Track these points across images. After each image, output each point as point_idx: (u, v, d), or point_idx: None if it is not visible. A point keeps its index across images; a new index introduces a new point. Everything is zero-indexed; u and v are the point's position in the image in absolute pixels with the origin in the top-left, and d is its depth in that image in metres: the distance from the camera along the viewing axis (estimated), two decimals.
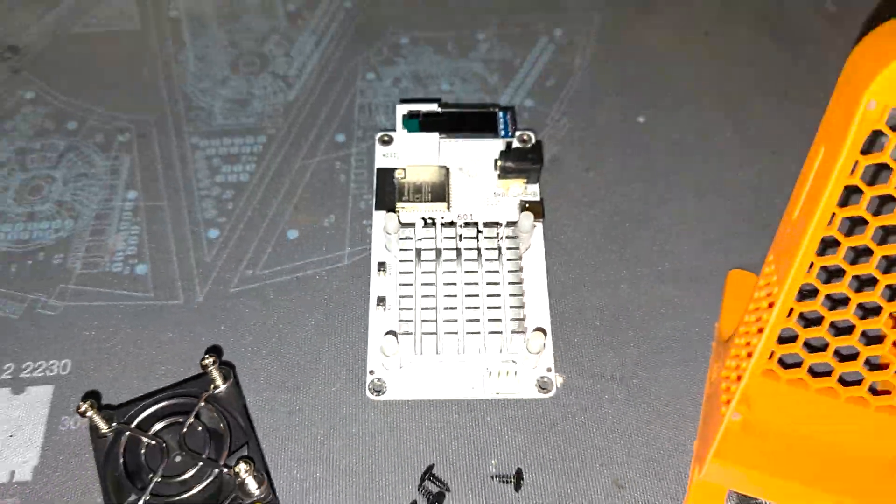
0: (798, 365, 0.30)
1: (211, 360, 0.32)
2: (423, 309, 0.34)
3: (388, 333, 0.34)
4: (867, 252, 0.26)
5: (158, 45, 0.47)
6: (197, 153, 0.42)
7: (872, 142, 0.25)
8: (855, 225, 0.37)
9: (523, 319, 0.34)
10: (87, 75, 0.46)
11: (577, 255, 0.39)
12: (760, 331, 0.29)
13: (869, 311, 0.35)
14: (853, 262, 0.29)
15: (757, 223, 0.40)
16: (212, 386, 0.32)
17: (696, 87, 0.45)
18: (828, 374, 0.30)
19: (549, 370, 0.35)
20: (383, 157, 0.40)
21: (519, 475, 0.32)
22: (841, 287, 0.27)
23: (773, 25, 0.48)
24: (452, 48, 0.47)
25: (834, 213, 0.25)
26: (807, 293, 0.28)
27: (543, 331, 0.34)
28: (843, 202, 0.25)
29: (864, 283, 0.36)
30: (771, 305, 0.28)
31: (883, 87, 0.23)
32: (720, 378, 0.33)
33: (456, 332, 0.34)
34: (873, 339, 0.34)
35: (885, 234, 0.38)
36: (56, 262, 0.38)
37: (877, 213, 0.31)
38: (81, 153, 0.42)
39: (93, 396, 0.34)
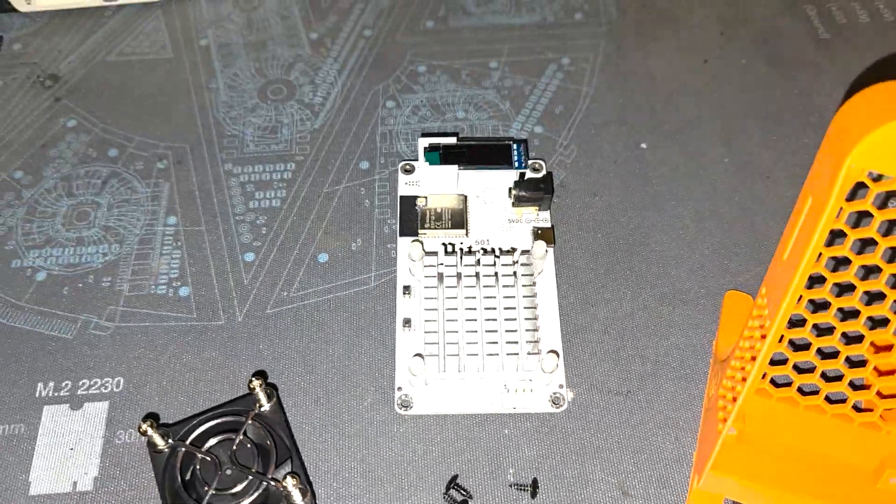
0: (788, 384, 0.33)
1: (258, 382, 0.35)
2: (447, 332, 0.38)
3: (415, 356, 0.37)
4: (851, 287, 0.30)
5: (190, 74, 0.50)
6: (231, 179, 0.45)
7: (856, 190, 0.28)
8: (839, 263, 0.41)
9: (538, 342, 0.38)
10: (124, 103, 0.49)
11: (584, 276, 0.42)
12: (754, 359, 0.33)
13: (852, 339, 0.39)
14: (838, 295, 0.33)
15: (752, 246, 0.43)
16: (257, 404, 0.36)
17: (694, 114, 0.48)
18: (815, 393, 0.33)
19: (560, 386, 0.38)
20: (405, 185, 0.43)
21: (535, 484, 0.36)
22: (827, 317, 0.31)
23: (769, 52, 0.51)
24: (466, 76, 0.50)
25: (821, 253, 0.29)
26: (796, 322, 0.32)
27: (556, 353, 0.38)
28: (829, 242, 0.29)
29: (848, 314, 0.39)
30: (763, 337, 0.32)
31: (864, 153, 0.26)
32: (717, 396, 0.36)
33: (476, 353, 0.37)
34: (857, 363, 0.38)
35: (867, 272, 0.41)
36: (105, 284, 0.42)
37: (860, 252, 0.34)
38: (123, 179, 0.45)
39: (150, 413, 0.38)
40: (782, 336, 0.31)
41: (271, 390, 0.36)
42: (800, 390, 0.33)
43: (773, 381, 0.34)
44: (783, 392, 0.34)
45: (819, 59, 0.51)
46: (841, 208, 0.28)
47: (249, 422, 0.35)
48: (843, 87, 0.49)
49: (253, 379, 0.35)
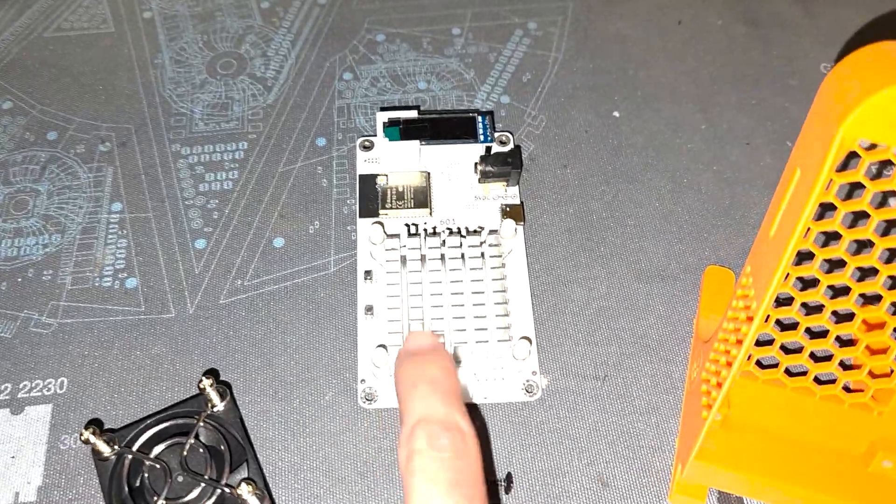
0: (775, 366, 0.31)
1: (208, 382, 0.33)
2: (411, 320, 0.35)
3: (379, 346, 0.35)
4: (841, 263, 0.28)
5: (134, 49, 0.47)
6: (179, 161, 0.42)
7: (847, 161, 0.26)
8: (829, 238, 0.38)
9: (509, 328, 0.35)
10: (63, 82, 0.46)
11: (556, 254, 0.40)
12: (739, 342, 0.31)
13: (842, 318, 0.37)
14: (828, 271, 0.31)
15: (732, 217, 0.41)
16: (209, 405, 0.33)
17: (669, 79, 0.46)
18: (803, 374, 0.32)
19: (533, 373, 0.36)
20: (365, 163, 0.41)
21: (509, 478, 0.34)
22: (816, 295, 0.29)
23: (746, 11, 0.49)
24: (428, 45, 0.47)
25: (809, 228, 0.27)
26: (783, 300, 0.30)
27: (528, 339, 0.36)
28: (819, 216, 0.26)
29: (839, 291, 0.37)
30: (749, 319, 0.30)
31: (859, 121, 0.23)
32: (700, 379, 0.34)
33: (443, 342, 0.35)
34: (846, 342, 0.36)
35: (859, 247, 0.39)
36: (46, 278, 0.39)
37: (851, 226, 0.32)
38: (64, 164, 0.42)
39: (93, 419, 0.35)
40: (768, 316, 0.29)
41: (224, 389, 0.34)
42: (787, 372, 0.32)
43: (758, 363, 0.32)
44: (770, 374, 0.32)
45: (799, 18, 0.48)
46: (831, 180, 0.25)
47: (201, 424, 0.33)
48: (825, 48, 0.47)
49: (203, 378, 0.33)
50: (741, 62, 0.46)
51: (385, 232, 0.37)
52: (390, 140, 0.39)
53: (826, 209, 0.26)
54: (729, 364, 0.31)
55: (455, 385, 0.27)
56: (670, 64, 0.46)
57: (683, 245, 0.40)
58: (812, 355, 0.30)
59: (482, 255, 0.37)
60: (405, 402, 0.26)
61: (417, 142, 0.39)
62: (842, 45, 0.47)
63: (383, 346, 0.35)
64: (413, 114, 0.40)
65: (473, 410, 0.35)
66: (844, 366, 0.31)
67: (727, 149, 0.43)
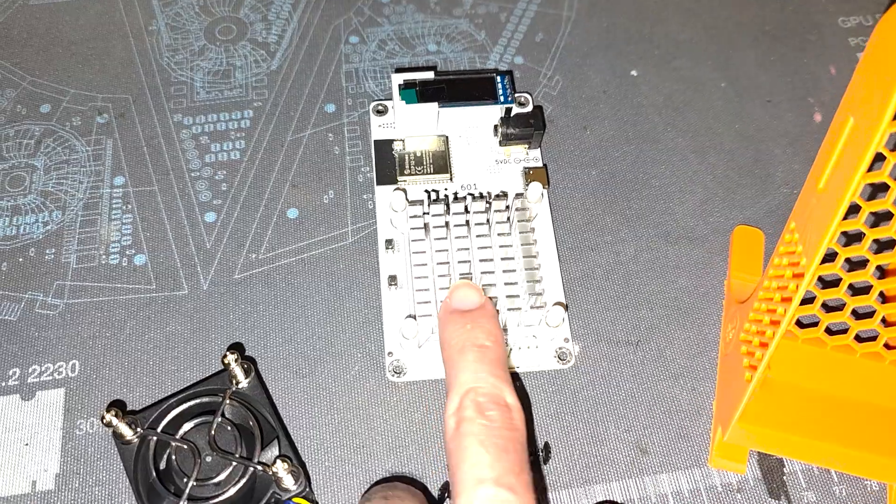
0: (815, 324, 0.31)
1: (233, 357, 0.31)
2: (439, 289, 0.34)
3: (407, 317, 0.33)
4: (887, 216, 0.27)
5: (126, 15, 0.45)
6: (182, 132, 0.41)
7: None
8: (878, 190, 0.38)
9: (541, 294, 0.34)
10: (53, 52, 0.43)
11: (581, 218, 0.39)
12: (785, 300, 0.30)
13: (886, 273, 0.36)
14: (873, 225, 0.30)
15: (757, 176, 0.40)
16: (234, 381, 0.32)
17: (686, 36, 0.44)
18: (843, 332, 0.31)
19: (566, 340, 0.35)
20: (379, 129, 0.39)
21: (546, 448, 0.33)
22: (860, 250, 0.28)
23: None
24: (436, 5, 0.45)
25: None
26: (827, 256, 0.29)
27: (563, 305, 0.34)
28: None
29: (884, 245, 0.37)
30: (797, 276, 0.29)
31: None
32: (738, 340, 0.33)
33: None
34: (890, 298, 0.35)
35: None
36: (48, 257, 0.37)
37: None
38: (60, 138, 0.40)
39: (114, 400, 0.34)
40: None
41: (249, 365, 0.32)
42: (827, 330, 0.31)
43: (798, 322, 0.31)
44: (810, 332, 0.31)
45: None
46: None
47: (227, 401, 0.31)
48: (843, 2, 0.46)
49: (227, 353, 0.31)
50: (758, 18, 0.45)
51: (407, 199, 0.36)
52: (407, 103, 0.37)
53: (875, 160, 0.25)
54: (774, 323, 0.30)
55: (502, 354, 0.27)
56: (687, 20, 0.45)
57: (710, 205, 0.39)
58: (854, 312, 0.29)
59: (508, 219, 0.36)
60: (452, 368, 0.26)
61: (435, 104, 0.38)
62: None
63: (412, 316, 0.33)
64: (429, 75, 0.38)
65: (514, 379, 0.34)
66: (886, 322, 0.31)
67: (748, 106, 0.42)
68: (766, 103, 0.42)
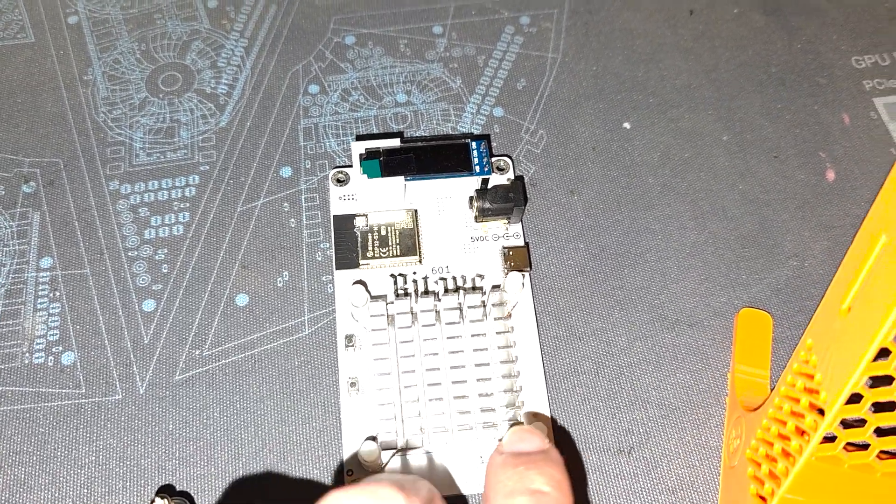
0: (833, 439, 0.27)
1: (162, 503, 0.27)
2: (404, 403, 0.30)
3: (367, 439, 0.29)
4: None
5: (58, 63, 0.40)
6: (119, 202, 0.36)
7: None
8: None
9: (520, 407, 0.30)
10: None
11: (566, 301, 0.34)
12: (800, 431, 0.26)
13: None
14: None
15: (763, 246, 0.36)
16: None
17: (683, 81, 0.40)
18: (864, 448, 0.27)
19: None
20: (339, 201, 0.35)
21: None
22: (891, 394, 0.24)
23: None
24: (406, 47, 0.41)
25: None
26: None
27: (543, 421, 0.30)
28: None
29: None
30: (815, 408, 0.25)
31: None
32: (744, 458, 0.29)
33: (445, 427, 0.30)
34: None
35: None
36: None
37: None
38: None
39: None
40: None
41: (182, 501, 0.28)
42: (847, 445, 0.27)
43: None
44: (826, 449, 0.27)
45: (824, 3, 0.43)
46: None
47: None
48: (856, 38, 0.41)
49: (156, 498, 0.27)
50: (762, 58, 0.41)
51: (368, 292, 0.32)
52: (369, 177, 0.33)
53: None
54: (786, 454, 0.27)
55: (568, 502, 0.23)
56: (684, 62, 0.40)
57: (710, 283, 0.35)
58: (877, 430, 0.26)
59: (484, 316, 0.31)
60: None
61: (402, 177, 0.33)
62: (874, 34, 0.41)
63: (373, 438, 0.29)
64: (395, 142, 0.34)
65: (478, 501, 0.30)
66: None
67: (753, 163, 0.38)
68: (773, 159, 0.38)
